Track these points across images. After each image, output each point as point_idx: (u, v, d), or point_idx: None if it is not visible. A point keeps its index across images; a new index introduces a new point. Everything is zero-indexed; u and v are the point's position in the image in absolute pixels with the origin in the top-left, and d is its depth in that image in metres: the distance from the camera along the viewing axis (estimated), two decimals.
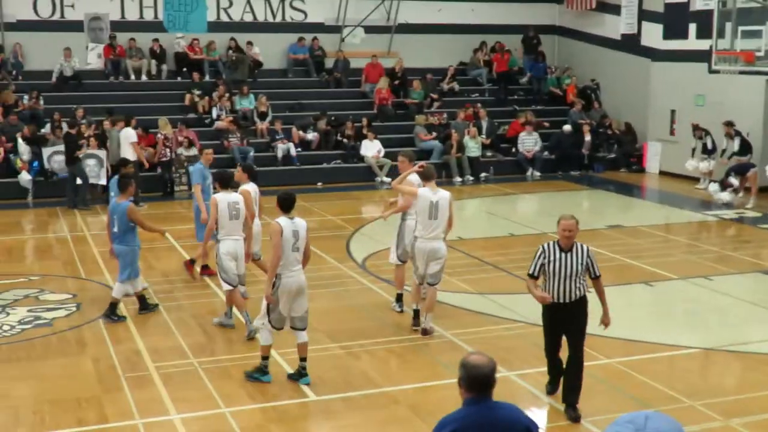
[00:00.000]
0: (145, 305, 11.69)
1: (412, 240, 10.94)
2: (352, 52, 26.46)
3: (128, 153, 19.23)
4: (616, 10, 25.79)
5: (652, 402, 8.64)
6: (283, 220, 9.04)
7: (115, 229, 11.45)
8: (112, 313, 11.40)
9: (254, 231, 11.65)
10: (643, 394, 9.00)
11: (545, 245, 8.33)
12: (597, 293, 8.44)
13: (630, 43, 25.38)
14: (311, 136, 23.26)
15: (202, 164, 13.52)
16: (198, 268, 13.32)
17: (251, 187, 11.78)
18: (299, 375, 9.32)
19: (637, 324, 11.44)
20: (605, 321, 8.58)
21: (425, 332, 10.71)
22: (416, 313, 11.02)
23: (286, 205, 9.17)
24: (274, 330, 9.30)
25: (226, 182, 11.19)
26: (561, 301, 8.28)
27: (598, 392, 9.06)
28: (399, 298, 11.81)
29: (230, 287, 10.84)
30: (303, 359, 9.33)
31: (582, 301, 8.40)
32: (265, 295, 9.17)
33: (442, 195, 10.59)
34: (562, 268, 8.19)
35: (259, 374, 9.33)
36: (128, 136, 19.76)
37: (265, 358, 9.36)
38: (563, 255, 8.21)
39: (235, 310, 11.14)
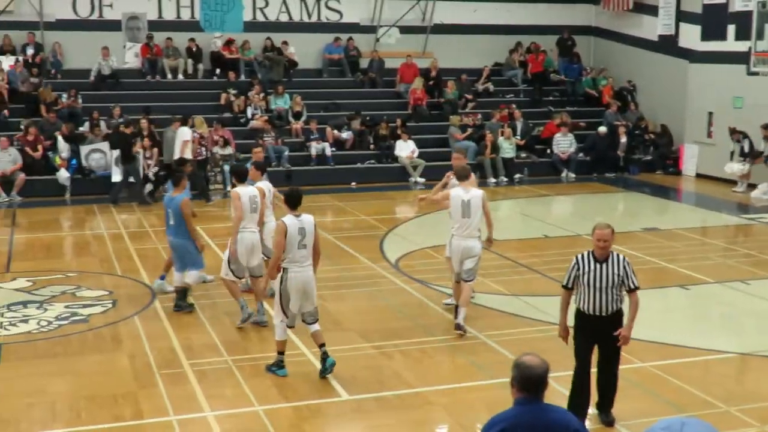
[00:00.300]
0: (179, 304, 11.74)
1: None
2: (387, 52, 26.48)
3: (183, 152, 19.40)
4: (653, 10, 25.58)
5: (687, 407, 8.56)
6: (288, 219, 9.18)
7: (171, 222, 11.63)
8: (181, 299, 11.58)
9: (267, 227, 11.71)
10: (679, 398, 8.92)
11: (579, 256, 8.00)
12: (630, 305, 7.99)
13: (667, 45, 25.16)
14: (346, 135, 23.31)
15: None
16: None
17: (264, 185, 11.90)
18: (323, 360, 9.42)
19: (672, 327, 11.35)
20: (624, 334, 8.01)
21: (458, 327, 10.76)
22: (457, 309, 11.12)
23: (292, 202, 9.31)
24: (289, 329, 9.53)
25: (243, 176, 11.47)
26: (595, 313, 7.92)
27: (633, 396, 8.98)
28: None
29: (231, 277, 11.11)
30: (322, 345, 9.46)
31: (618, 316, 8.02)
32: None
33: (474, 194, 10.81)
34: (597, 279, 7.84)
35: (276, 368, 9.49)
36: (182, 134, 19.92)
37: (281, 353, 9.50)
38: (598, 266, 7.87)
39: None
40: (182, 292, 11.75)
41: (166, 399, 8.84)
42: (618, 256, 7.91)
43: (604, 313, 7.92)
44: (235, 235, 11.06)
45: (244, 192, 11.18)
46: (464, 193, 10.83)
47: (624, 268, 7.89)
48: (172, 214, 11.59)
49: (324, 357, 9.40)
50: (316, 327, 9.48)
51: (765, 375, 9.92)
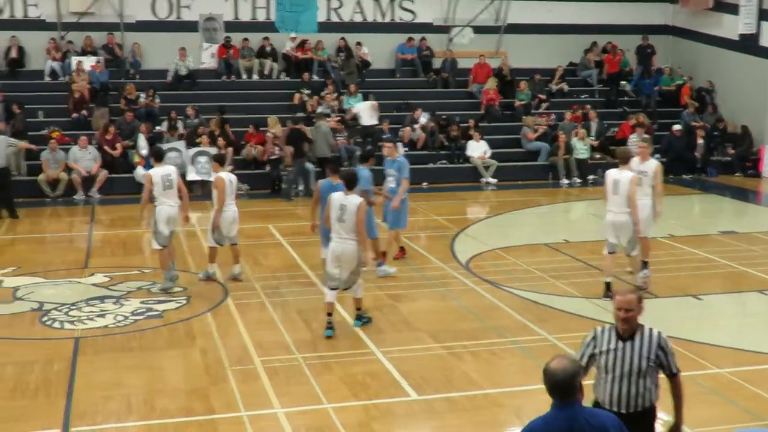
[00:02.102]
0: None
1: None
2: (460, 52, 26.40)
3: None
4: (733, 9, 25.01)
5: (764, 414, 8.35)
6: (335, 194, 10.72)
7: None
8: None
9: (229, 216, 13.04)
10: (756, 406, 8.69)
11: (599, 329, 6.02)
12: (672, 395, 6.07)
13: (748, 44, 24.55)
14: (420, 125, 23.14)
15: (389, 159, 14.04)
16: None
17: (226, 176, 13.02)
18: (359, 318, 11.06)
19: (749, 333, 11.09)
20: None
21: (641, 288, 11.82)
22: (607, 285, 12.19)
23: (348, 183, 10.72)
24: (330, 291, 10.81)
25: (222, 162, 13.39)
26: (617, 409, 5.81)
27: (708, 403, 8.80)
28: (608, 287, 12.25)
29: (160, 247, 12.67)
30: (358, 309, 11.11)
31: (648, 415, 5.95)
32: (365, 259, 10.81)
33: (625, 175, 12.21)
34: (619, 362, 5.84)
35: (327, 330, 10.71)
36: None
37: (328, 314, 10.73)
38: (621, 345, 5.86)
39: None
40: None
41: (237, 395, 8.96)
42: (651, 332, 5.88)
43: (629, 410, 5.85)
44: (219, 212, 12.88)
45: (226, 177, 12.94)
46: (617, 173, 12.28)
47: (660, 347, 5.87)
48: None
49: (359, 316, 11.07)
50: (353, 294, 11.00)
51: None
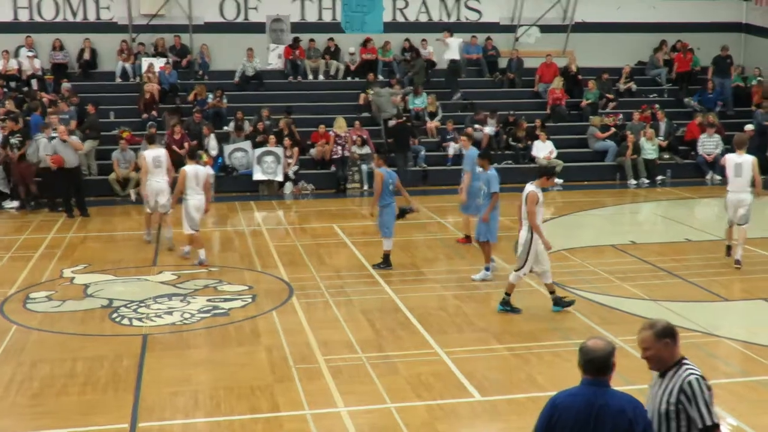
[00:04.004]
0: (558, 301, 11.85)
1: None
2: (526, 52, 26.22)
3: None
4: None
5: None
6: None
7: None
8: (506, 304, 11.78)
9: (194, 204, 14.27)
10: None
11: None
12: None
13: None
14: (487, 130, 23.04)
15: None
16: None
17: (189, 167, 14.34)
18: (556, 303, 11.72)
19: None
20: None
21: (737, 262, 13.82)
22: (728, 248, 14.45)
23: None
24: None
25: (193, 157, 14.91)
26: None
27: None
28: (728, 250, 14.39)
29: (192, 231, 14.42)
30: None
31: None
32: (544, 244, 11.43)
33: (746, 158, 13.95)
34: (650, 399, 5.29)
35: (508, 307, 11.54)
36: None
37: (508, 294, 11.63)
38: (658, 381, 5.28)
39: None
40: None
41: (301, 393, 9.02)
42: (684, 370, 5.15)
43: None
44: (176, 199, 14.80)
45: (191, 169, 14.29)
46: (737, 157, 14.01)
47: (681, 392, 5.09)
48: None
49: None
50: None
51: None
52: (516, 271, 11.67)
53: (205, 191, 14.55)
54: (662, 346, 5.17)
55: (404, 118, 22.73)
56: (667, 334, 5.19)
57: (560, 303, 11.73)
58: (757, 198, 14.52)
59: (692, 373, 5.12)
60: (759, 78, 25.88)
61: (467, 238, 15.57)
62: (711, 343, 10.61)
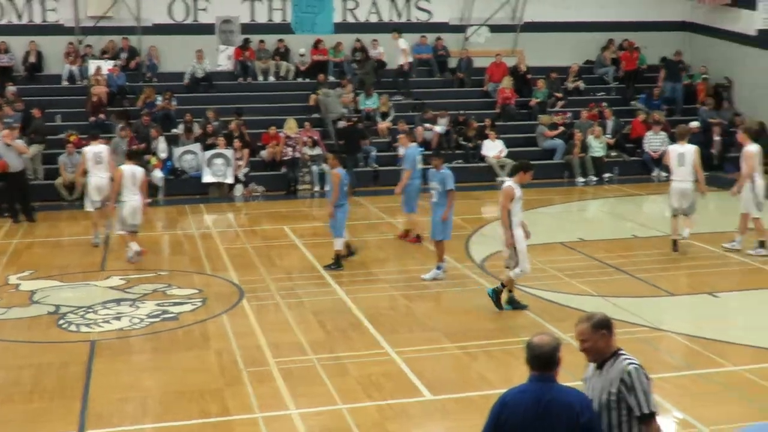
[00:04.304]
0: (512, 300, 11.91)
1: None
2: (476, 51, 26.36)
3: None
4: (752, 4, 24.83)
5: None
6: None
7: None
8: (508, 302, 11.77)
9: (131, 206, 14.45)
10: None
11: None
12: None
13: (766, 39, 24.35)
14: (438, 129, 23.15)
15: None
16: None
17: (126, 167, 14.55)
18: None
19: (767, 331, 11.00)
20: None
21: (682, 238, 14.76)
22: (674, 243, 14.68)
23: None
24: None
25: (131, 156, 15.16)
26: None
27: (724, 400, 8.76)
28: (762, 245, 14.64)
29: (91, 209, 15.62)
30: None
31: None
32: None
33: (688, 148, 14.55)
34: (589, 392, 5.35)
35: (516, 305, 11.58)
36: None
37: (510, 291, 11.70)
38: (596, 373, 5.39)
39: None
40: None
41: (251, 396, 8.98)
42: (622, 360, 5.27)
43: None
44: (113, 201, 14.84)
45: (129, 170, 14.47)
46: (680, 147, 14.64)
47: (621, 382, 5.20)
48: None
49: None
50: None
51: None
52: (514, 269, 11.64)
53: (142, 192, 14.63)
54: (599, 338, 5.28)
55: (354, 120, 22.72)
56: (602, 325, 5.30)
57: (509, 302, 11.81)
58: (702, 196, 14.84)
59: (630, 363, 5.23)
60: (704, 76, 26.31)
61: (417, 238, 15.68)
62: (657, 337, 10.78)
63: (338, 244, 14.00)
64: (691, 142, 15.29)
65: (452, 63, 26.32)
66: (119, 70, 23.91)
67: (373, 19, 26.33)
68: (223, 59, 25.53)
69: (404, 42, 24.75)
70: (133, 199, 14.45)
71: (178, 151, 21.52)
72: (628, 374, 5.17)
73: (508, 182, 11.58)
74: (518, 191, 11.41)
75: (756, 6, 24.64)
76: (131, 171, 14.51)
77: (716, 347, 10.28)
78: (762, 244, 14.61)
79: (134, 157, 15.20)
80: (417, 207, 15.70)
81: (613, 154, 23.57)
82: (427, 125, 23.20)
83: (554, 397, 4.95)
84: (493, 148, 22.95)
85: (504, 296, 11.77)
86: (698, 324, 11.39)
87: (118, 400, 8.95)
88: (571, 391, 5.04)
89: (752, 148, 14.62)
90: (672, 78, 26.00)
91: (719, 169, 23.26)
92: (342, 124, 22.74)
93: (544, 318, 11.41)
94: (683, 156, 14.53)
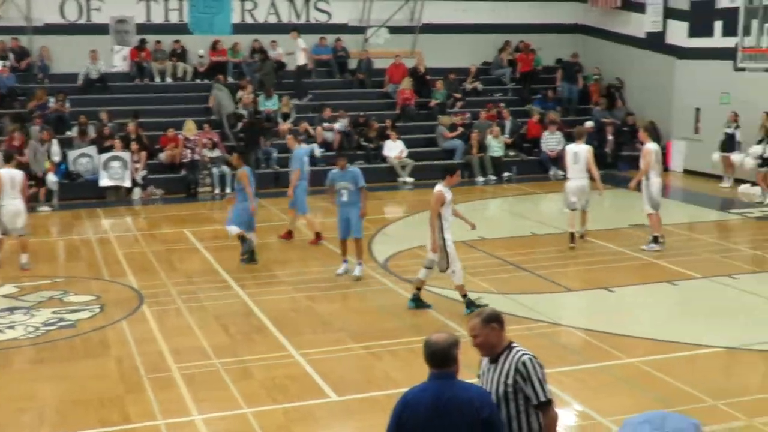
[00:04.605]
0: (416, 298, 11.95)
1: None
2: (375, 53, 26.47)
3: None
4: (641, 8, 25.63)
5: (674, 402, 8.57)
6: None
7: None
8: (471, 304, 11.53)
9: (11, 209, 13.98)
10: (666, 393, 8.94)
11: None
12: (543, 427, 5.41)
13: (655, 41, 25.21)
14: (337, 126, 23.18)
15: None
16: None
17: (4, 171, 14.11)
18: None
19: (660, 323, 11.39)
20: None
21: (581, 236, 15.46)
22: (571, 236, 15.15)
23: None
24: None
25: (7, 159, 14.67)
26: None
27: (620, 392, 9.02)
28: (656, 240, 15.04)
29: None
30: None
31: None
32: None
33: (582, 147, 15.30)
34: (486, 386, 5.42)
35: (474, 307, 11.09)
36: None
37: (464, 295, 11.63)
38: (490, 367, 5.47)
39: None
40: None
41: (153, 403, 8.83)
42: (515, 354, 5.37)
43: None
44: None
45: (6, 173, 14.05)
46: (575, 146, 15.37)
47: (516, 372, 5.30)
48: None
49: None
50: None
51: (752, 369, 9.95)
52: (447, 272, 11.66)
53: (23, 195, 14.26)
54: (489, 331, 5.37)
55: (257, 118, 22.72)
56: (492, 319, 5.39)
57: (416, 300, 11.90)
58: (600, 194, 15.62)
59: (524, 354, 5.35)
60: (596, 77, 27.04)
61: (318, 237, 15.80)
62: (556, 332, 11.04)
63: (234, 231, 14.30)
64: (586, 141, 15.80)
65: (352, 64, 26.37)
66: (9, 71, 23.15)
67: (272, 20, 26.16)
68: (118, 60, 24.98)
69: (303, 42, 24.72)
70: (12, 204, 14.00)
71: (73, 154, 20.97)
72: (523, 365, 5.28)
73: (438, 186, 11.63)
74: (448, 195, 11.56)
75: (645, 9, 25.44)
76: (9, 175, 14.08)
77: (612, 340, 10.58)
78: (655, 240, 15.08)
79: (11, 160, 14.69)
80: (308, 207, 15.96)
81: (512, 153, 24.01)
82: (326, 125, 23.21)
83: (454, 394, 4.95)
84: (394, 149, 23.09)
85: (418, 292, 11.89)
86: (595, 318, 11.71)
87: (15, 411, 8.70)
88: (471, 387, 5.07)
89: (649, 146, 15.09)
90: (568, 79, 26.64)
91: (613, 167, 23.94)
92: (242, 121, 22.67)
93: (446, 316, 11.56)
94: (577, 155, 15.26)
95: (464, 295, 11.71)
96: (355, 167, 13.74)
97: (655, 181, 15.01)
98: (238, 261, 14.36)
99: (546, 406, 5.30)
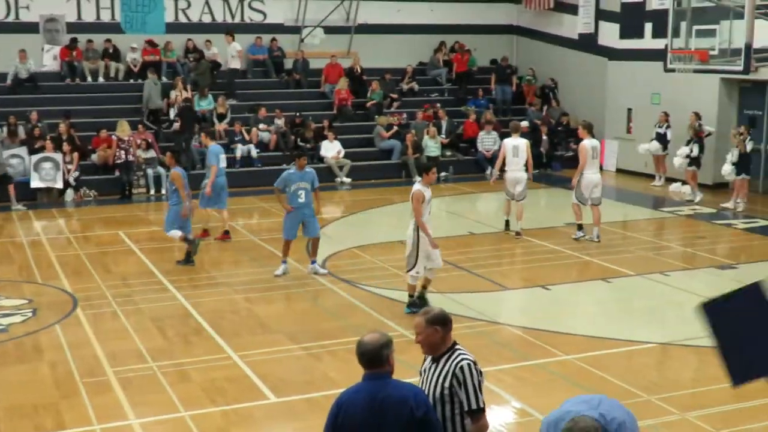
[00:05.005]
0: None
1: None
2: (311, 53, 26.40)
3: None
4: (573, 9, 26.01)
5: (611, 397, 8.68)
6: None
7: None
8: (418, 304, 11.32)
9: None
10: (602, 389, 9.03)
11: None
12: None
13: (587, 43, 25.61)
14: (274, 126, 23.09)
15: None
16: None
17: None
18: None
19: (595, 320, 11.58)
20: None
21: (518, 234, 15.92)
22: (506, 222, 16.33)
23: None
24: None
25: None
26: None
27: (557, 388, 9.13)
28: (580, 227, 15.85)
29: None
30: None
31: None
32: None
33: (521, 141, 16.00)
34: (425, 385, 5.42)
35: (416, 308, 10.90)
36: None
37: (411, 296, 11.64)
38: (431, 366, 5.46)
39: None
40: None
41: (89, 408, 8.68)
42: (458, 356, 5.34)
43: None
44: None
45: None
46: (513, 141, 15.99)
47: (453, 376, 5.27)
48: None
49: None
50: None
51: (685, 364, 10.16)
52: (408, 272, 11.61)
53: None
54: (432, 332, 5.34)
55: (188, 104, 22.92)
56: (436, 321, 5.37)
57: (422, 299, 11.72)
58: (529, 179, 16.40)
59: (465, 359, 5.32)
60: (528, 77, 27.36)
61: (226, 233, 16.02)
62: (495, 330, 11.14)
63: (176, 235, 14.21)
64: (520, 130, 16.41)
65: (288, 64, 26.26)
66: None
67: (206, 19, 25.92)
68: (48, 59, 24.48)
69: (237, 45, 24.56)
70: None
71: (3, 155, 20.48)
72: (461, 369, 5.26)
73: (417, 186, 11.56)
74: (427, 193, 11.49)
75: (577, 11, 25.82)
76: None
77: (549, 338, 10.72)
78: (580, 227, 15.75)
79: None
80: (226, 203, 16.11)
81: (448, 153, 24.16)
82: (263, 125, 23.09)
83: (389, 393, 4.93)
84: (331, 149, 23.05)
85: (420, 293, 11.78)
86: (532, 316, 11.84)
87: None
88: (406, 386, 5.03)
89: (585, 143, 15.41)
90: (501, 82, 26.88)
91: (548, 167, 24.26)
92: (179, 106, 22.82)
93: (386, 315, 11.58)
94: (517, 148, 15.93)
95: (411, 296, 11.70)
96: (311, 169, 13.78)
97: (585, 177, 15.34)
98: (174, 263, 14.20)
99: (478, 414, 5.29)
